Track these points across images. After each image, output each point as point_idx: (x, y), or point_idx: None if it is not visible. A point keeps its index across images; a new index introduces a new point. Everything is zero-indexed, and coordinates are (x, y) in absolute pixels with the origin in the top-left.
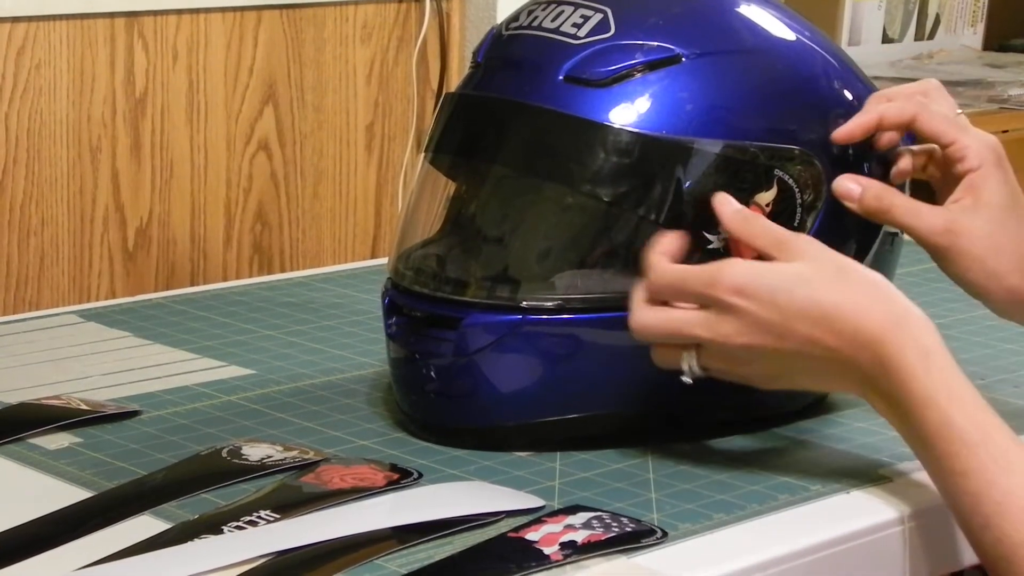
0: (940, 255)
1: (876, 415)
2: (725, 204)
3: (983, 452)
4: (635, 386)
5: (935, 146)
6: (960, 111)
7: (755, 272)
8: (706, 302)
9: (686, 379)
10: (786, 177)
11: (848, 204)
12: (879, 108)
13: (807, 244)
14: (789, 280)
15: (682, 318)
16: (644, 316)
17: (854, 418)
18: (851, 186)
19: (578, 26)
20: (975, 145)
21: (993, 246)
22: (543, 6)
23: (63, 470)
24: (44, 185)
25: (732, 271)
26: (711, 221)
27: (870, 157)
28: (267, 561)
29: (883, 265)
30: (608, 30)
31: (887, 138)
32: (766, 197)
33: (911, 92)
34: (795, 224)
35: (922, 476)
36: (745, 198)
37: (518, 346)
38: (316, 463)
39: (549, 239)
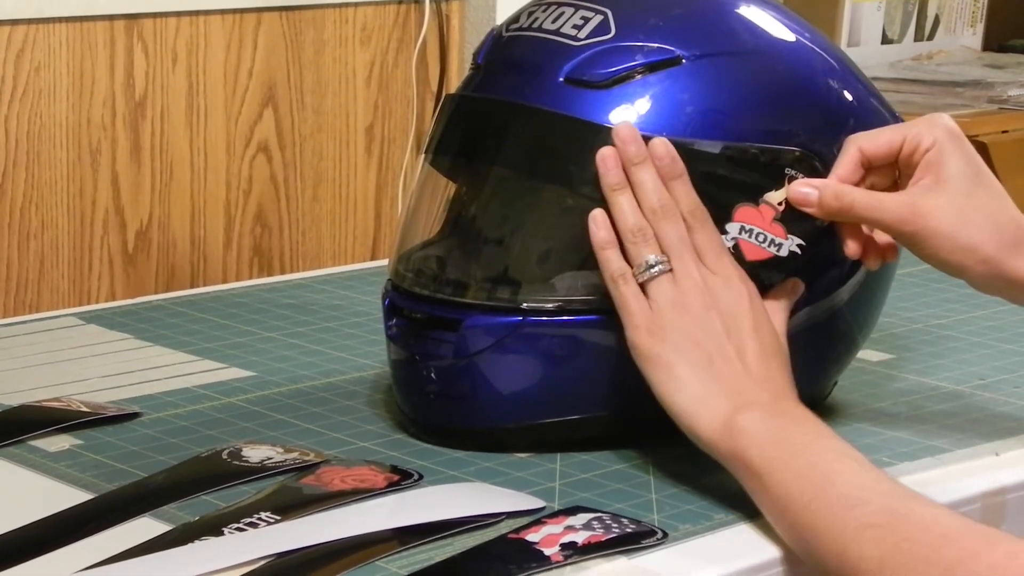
0: (910, 241)
1: (876, 416)
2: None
3: (880, 478)
4: (636, 387)
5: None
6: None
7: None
8: (722, 274)
9: (639, 275)
10: (797, 176)
11: (807, 210)
12: (833, 173)
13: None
14: (771, 321)
15: (687, 245)
16: (675, 215)
17: (853, 419)
18: (805, 191)
19: (578, 28)
20: (923, 128)
21: (961, 220)
22: (543, 7)
23: (63, 472)
24: (44, 188)
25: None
26: (716, 222)
27: None
28: (268, 563)
29: (883, 266)
30: (608, 32)
31: (852, 249)
32: (777, 196)
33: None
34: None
35: (920, 477)
36: (753, 198)
37: (518, 348)
38: (316, 465)
39: (549, 241)
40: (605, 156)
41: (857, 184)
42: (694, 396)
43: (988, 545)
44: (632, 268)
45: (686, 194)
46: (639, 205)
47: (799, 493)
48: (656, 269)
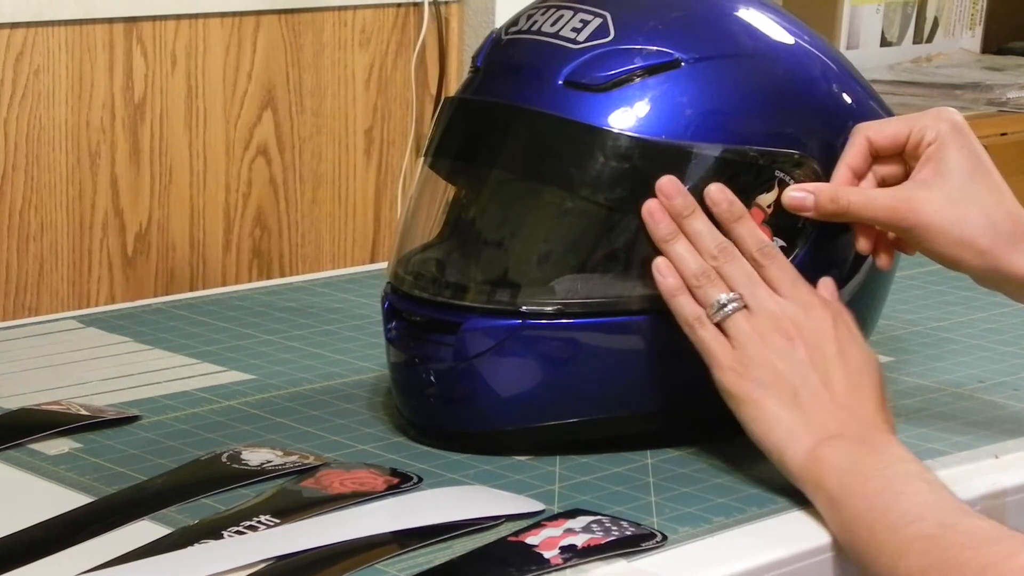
0: (907, 235)
1: None
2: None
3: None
4: (635, 390)
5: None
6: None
7: (858, 332)
8: (800, 301)
9: (714, 316)
10: (786, 178)
11: (804, 214)
12: (841, 162)
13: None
14: (867, 356)
15: (756, 279)
16: (734, 251)
17: None
18: (800, 195)
19: (577, 30)
20: (928, 121)
21: (957, 214)
22: (542, 10)
23: (63, 475)
24: (43, 190)
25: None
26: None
27: None
28: (267, 566)
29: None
30: (607, 35)
31: (863, 246)
32: (767, 199)
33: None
34: (798, 226)
35: None
36: (747, 200)
37: (518, 350)
38: (316, 468)
39: (548, 243)
40: (652, 210)
41: (864, 174)
42: (784, 431)
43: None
44: (705, 310)
45: (751, 233)
46: (699, 252)
47: (866, 514)
48: (730, 307)
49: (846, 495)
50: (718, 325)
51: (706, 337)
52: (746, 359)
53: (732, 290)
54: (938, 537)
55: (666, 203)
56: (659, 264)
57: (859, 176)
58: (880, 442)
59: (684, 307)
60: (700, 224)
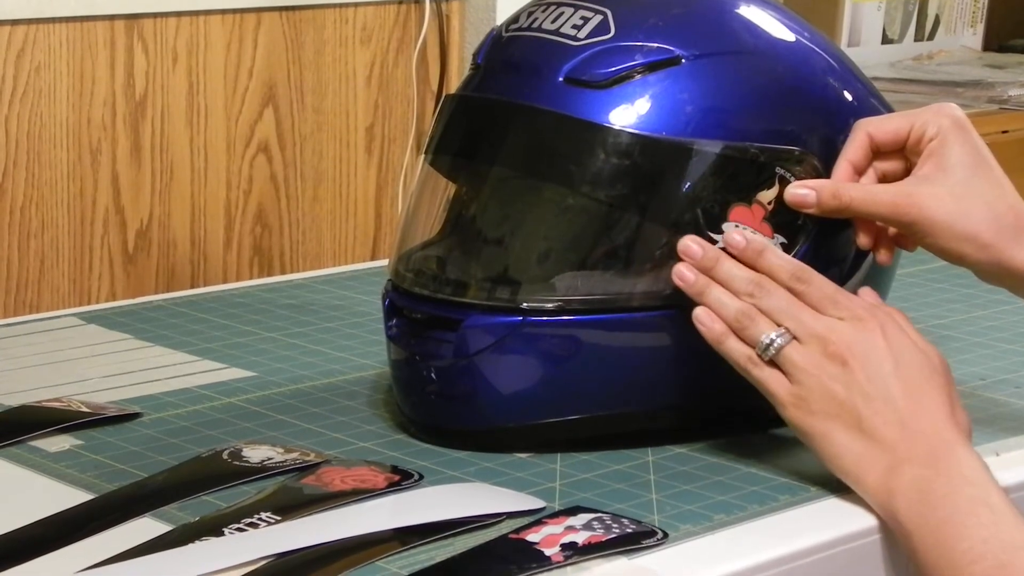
0: (909, 231)
1: None
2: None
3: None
4: (635, 387)
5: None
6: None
7: (908, 333)
8: (848, 316)
9: (764, 354)
10: (787, 175)
11: (807, 211)
12: (841, 157)
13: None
14: (922, 361)
15: (797, 306)
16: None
17: None
18: (802, 192)
19: (578, 27)
20: (929, 116)
21: (959, 209)
22: (543, 8)
23: (64, 472)
24: (44, 188)
25: (893, 311)
26: (713, 221)
27: None
28: (268, 563)
29: (883, 266)
30: (608, 31)
31: (864, 241)
32: (768, 195)
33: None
34: (798, 223)
35: None
36: (747, 197)
37: (518, 348)
38: (317, 465)
39: (549, 240)
40: (680, 273)
41: (864, 170)
42: (855, 459)
43: None
44: (754, 350)
45: (779, 262)
46: (735, 295)
47: (933, 550)
48: (777, 343)
49: (914, 528)
50: (773, 363)
51: (762, 377)
52: (804, 392)
53: (777, 323)
54: None
55: (693, 262)
56: (699, 315)
57: (860, 172)
58: (947, 461)
59: (735, 351)
60: (729, 267)
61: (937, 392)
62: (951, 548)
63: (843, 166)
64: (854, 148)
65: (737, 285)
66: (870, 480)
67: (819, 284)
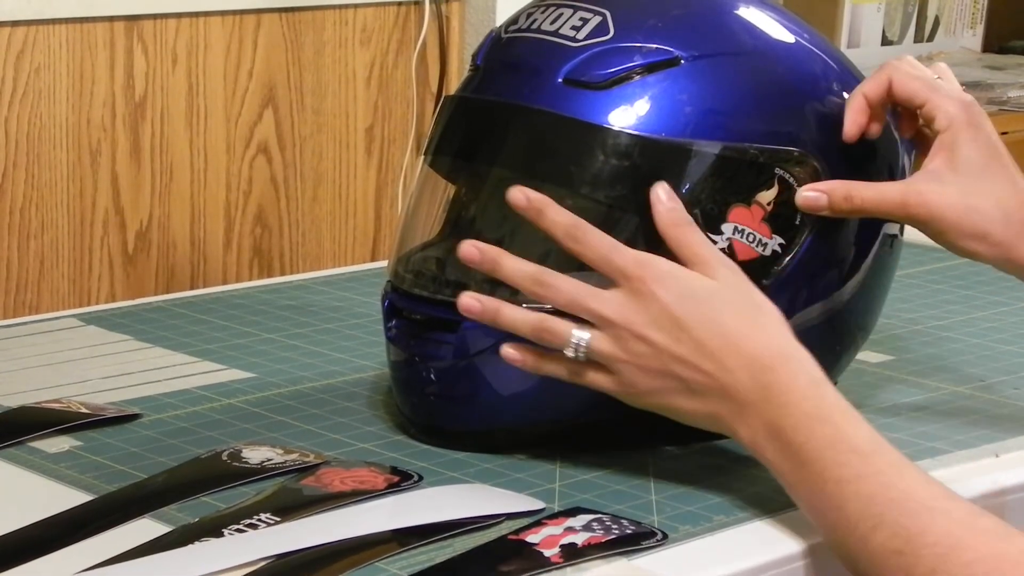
0: (924, 227)
1: (875, 418)
2: (662, 200)
3: (877, 458)
4: None
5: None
6: (938, 76)
7: (680, 270)
8: (623, 280)
9: (578, 358)
10: (787, 176)
11: (820, 214)
12: (858, 90)
13: (727, 269)
14: (704, 291)
15: (589, 290)
16: (548, 276)
17: None
18: (813, 195)
19: (577, 29)
20: (945, 105)
21: (969, 207)
22: (542, 9)
23: (63, 473)
24: (44, 189)
25: (661, 260)
26: (712, 222)
27: (868, 156)
28: (268, 564)
29: (883, 267)
30: (607, 32)
31: (874, 129)
32: (768, 196)
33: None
34: (796, 223)
35: None
36: (746, 198)
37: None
38: (316, 466)
39: (548, 241)
40: (467, 305)
41: (875, 108)
42: (711, 421)
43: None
44: (568, 355)
45: (557, 218)
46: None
47: (819, 511)
48: (583, 343)
49: (794, 482)
50: (591, 361)
51: (590, 381)
52: (627, 379)
53: (569, 321)
54: (912, 554)
55: (473, 298)
56: (505, 352)
57: (871, 106)
58: (781, 396)
59: (554, 370)
60: (505, 271)
61: (728, 309)
62: (837, 508)
63: (858, 98)
64: (873, 85)
65: (519, 281)
66: (741, 435)
67: (594, 243)
